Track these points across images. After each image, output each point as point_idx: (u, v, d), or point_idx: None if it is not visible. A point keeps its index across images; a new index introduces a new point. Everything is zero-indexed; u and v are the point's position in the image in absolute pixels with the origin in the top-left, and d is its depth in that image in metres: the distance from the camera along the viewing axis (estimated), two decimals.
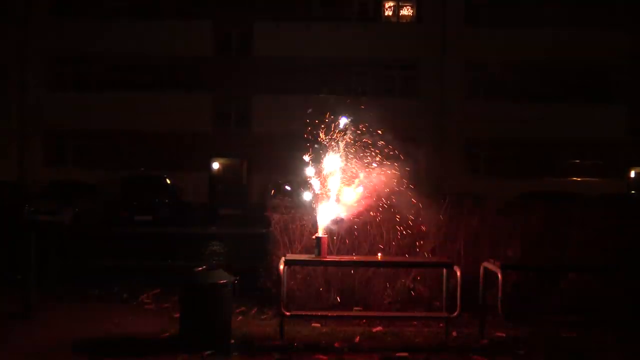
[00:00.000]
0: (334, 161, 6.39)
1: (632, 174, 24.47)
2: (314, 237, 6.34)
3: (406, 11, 24.59)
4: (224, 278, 5.74)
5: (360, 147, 6.53)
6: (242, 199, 22.93)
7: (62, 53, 23.58)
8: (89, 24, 23.36)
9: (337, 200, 6.42)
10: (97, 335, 6.17)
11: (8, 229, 13.87)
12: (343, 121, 6.44)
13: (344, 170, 6.47)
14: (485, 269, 6.31)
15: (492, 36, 23.28)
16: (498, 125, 23.05)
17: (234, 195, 23.33)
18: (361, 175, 6.52)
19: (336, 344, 5.99)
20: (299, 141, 6.78)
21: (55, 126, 23.47)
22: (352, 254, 7.13)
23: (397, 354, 5.72)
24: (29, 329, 6.42)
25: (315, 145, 6.45)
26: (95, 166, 22.84)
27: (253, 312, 7.12)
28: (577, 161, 24.28)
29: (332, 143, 6.44)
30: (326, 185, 6.42)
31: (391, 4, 24.50)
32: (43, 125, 23.54)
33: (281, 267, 6.06)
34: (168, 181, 21.01)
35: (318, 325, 6.63)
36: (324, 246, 6.28)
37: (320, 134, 6.44)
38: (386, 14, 24.53)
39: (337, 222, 6.54)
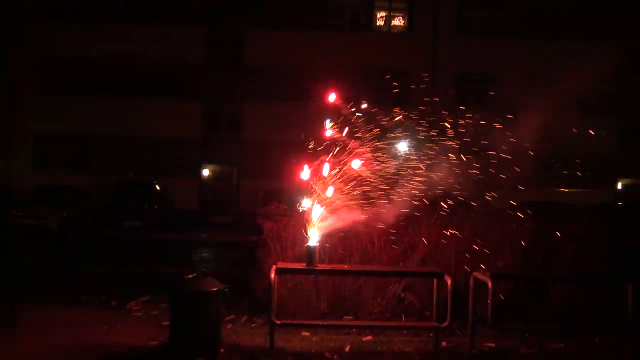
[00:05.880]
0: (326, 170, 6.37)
1: (619, 184, 24.71)
2: (305, 245, 6.32)
3: (398, 21, 24.76)
4: (214, 286, 5.69)
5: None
6: (232, 206, 22.85)
7: (53, 56, 23.38)
8: (79, 28, 23.18)
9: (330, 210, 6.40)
10: (83, 344, 6.08)
11: None
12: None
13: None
14: (476, 279, 6.31)
15: (483, 47, 23.42)
16: (489, 135, 23.12)
17: (224, 202, 23.24)
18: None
19: (326, 354, 5.97)
20: (289, 148, 6.78)
21: (44, 130, 23.24)
22: (343, 263, 7.10)
23: None
24: (12, 337, 6.31)
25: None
26: (85, 171, 22.65)
27: (243, 320, 7.08)
28: (565, 172, 24.44)
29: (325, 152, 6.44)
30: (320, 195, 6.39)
31: (383, 13, 24.66)
32: (32, 130, 23.34)
33: (272, 275, 6.03)
34: (157, 187, 20.93)
35: (308, 334, 6.59)
36: (316, 255, 6.26)
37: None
38: (378, 23, 24.69)
39: None
